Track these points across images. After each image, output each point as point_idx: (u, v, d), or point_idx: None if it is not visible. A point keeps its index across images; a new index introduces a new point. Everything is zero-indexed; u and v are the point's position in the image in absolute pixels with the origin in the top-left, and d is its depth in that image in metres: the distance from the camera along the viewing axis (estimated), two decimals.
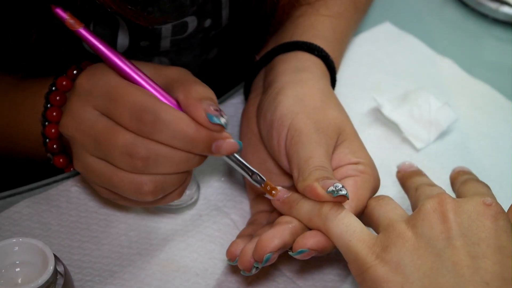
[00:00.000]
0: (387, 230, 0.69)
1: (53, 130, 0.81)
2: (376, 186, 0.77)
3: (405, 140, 0.93)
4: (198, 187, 0.84)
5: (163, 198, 0.75)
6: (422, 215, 0.68)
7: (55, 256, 0.70)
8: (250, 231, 0.77)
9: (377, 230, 0.71)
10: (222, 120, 0.70)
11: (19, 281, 0.70)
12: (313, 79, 0.82)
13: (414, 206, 0.75)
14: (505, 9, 1.09)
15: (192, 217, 0.83)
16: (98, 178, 0.73)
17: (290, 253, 0.71)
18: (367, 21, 1.07)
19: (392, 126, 0.94)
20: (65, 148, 0.82)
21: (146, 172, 0.71)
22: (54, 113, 0.80)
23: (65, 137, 0.74)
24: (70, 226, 0.81)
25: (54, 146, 0.81)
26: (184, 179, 0.74)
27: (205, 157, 0.73)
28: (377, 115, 0.95)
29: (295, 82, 0.81)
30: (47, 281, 0.69)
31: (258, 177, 0.75)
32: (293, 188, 0.76)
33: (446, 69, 1.03)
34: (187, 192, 0.83)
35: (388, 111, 0.94)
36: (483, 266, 0.64)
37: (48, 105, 0.80)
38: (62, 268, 0.72)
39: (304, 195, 0.73)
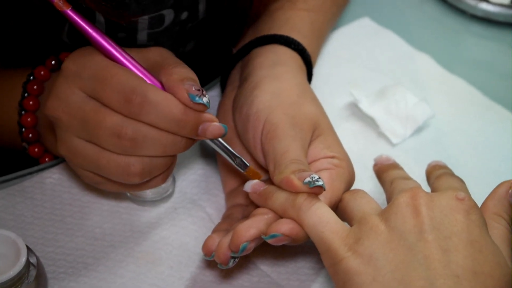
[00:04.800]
0: (360, 222, 0.69)
1: (29, 119, 0.80)
2: (351, 180, 0.77)
3: (381, 135, 0.93)
4: (174, 180, 0.84)
5: (148, 182, 0.75)
6: (395, 209, 0.68)
7: (28, 247, 0.70)
8: (226, 226, 0.77)
9: (351, 223, 0.71)
10: (204, 100, 0.71)
11: None
12: (290, 73, 0.82)
13: (389, 199, 0.76)
14: (484, 6, 1.10)
15: (167, 210, 0.83)
16: (83, 160, 0.73)
17: (262, 236, 0.72)
18: (346, 16, 1.07)
19: (368, 121, 0.94)
20: (41, 138, 0.82)
21: (134, 154, 0.71)
22: (31, 102, 0.80)
23: (51, 119, 0.73)
24: (44, 218, 0.81)
25: (30, 135, 0.81)
26: (170, 163, 0.74)
27: (192, 142, 0.73)
28: (354, 109, 0.95)
29: (272, 77, 0.81)
30: (19, 273, 0.69)
31: (242, 162, 0.75)
32: (269, 181, 0.76)
33: (424, 64, 1.03)
34: (163, 185, 0.83)
35: (365, 106, 0.94)
36: (454, 260, 0.64)
37: (26, 94, 0.80)
38: (35, 259, 0.72)
39: (280, 188, 0.73)
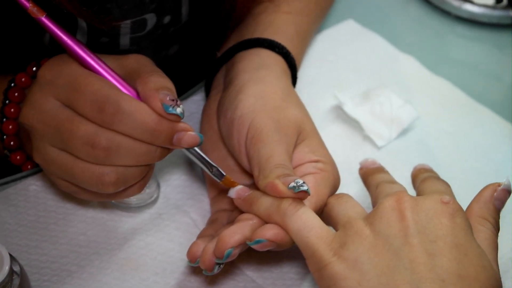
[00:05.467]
0: (345, 227, 0.69)
1: (10, 127, 0.80)
2: (336, 184, 0.77)
3: (367, 138, 0.93)
4: (158, 186, 0.84)
5: (124, 192, 0.75)
6: (380, 213, 0.68)
7: (11, 256, 0.69)
8: (211, 231, 0.77)
9: (336, 228, 0.71)
10: (178, 110, 0.70)
11: None
12: (274, 77, 0.82)
13: (374, 203, 0.75)
14: (468, 7, 1.10)
15: (152, 216, 0.82)
16: (58, 169, 0.72)
17: (247, 242, 0.71)
18: (330, 18, 1.07)
19: (353, 123, 0.94)
20: (22, 145, 0.81)
21: (108, 163, 0.71)
22: (12, 110, 0.80)
23: (26, 128, 0.73)
24: (28, 225, 0.80)
25: (11, 143, 0.80)
26: (145, 172, 0.74)
27: (167, 151, 0.73)
28: (339, 112, 0.95)
29: (256, 80, 0.81)
30: (3, 282, 0.68)
31: (218, 172, 0.75)
32: (253, 186, 0.76)
33: (408, 66, 1.03)
34: (147, 190, 0.82)
35: (350, 108, 0.94)
36: (439, 264, 0.64)
37: (6, 101, 0.80)
38: (18, 268, 0.71)
39: (264, 193, 0.73)
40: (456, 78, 1.02)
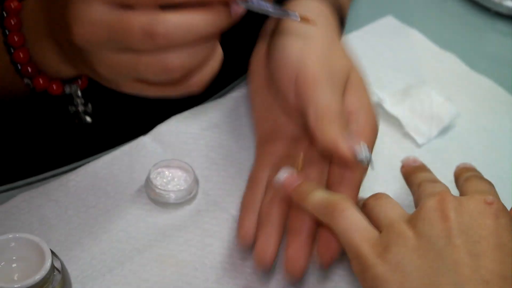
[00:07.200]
0: (388, 229, 0.68)
1: (21, 55, 0.77)
2: (376, 133, 0.81)
3: (407, 135, 0.92)
4: (197, 182, 0.84)
5: (194, 77, 0.70)
6: (422, 214, 0.68)
7: (52, 252, 0.70)
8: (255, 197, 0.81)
9: (378, 229, 0.71)
10: None
11: (15, 277, 0.69)
12: (323, 26, 0.84)
13: (417, 202, 0.75)
14: (508, 3, 1.09)
15: (191, 212, 0.82)
16: (125, 70, 0.69)
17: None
18: (370, 15, 1.07)
19: (393, 121, 0.93)
20: (41, 71, 0.79)
21: (171, 49, 0.67)
22: (16, 38, 0.76)
23: (80, 46, 0.69)
24: (68, 220, 0.81)
25: (28, 69, 0.78)
26: (210, 49, 0.69)
27: (225, 17, 0.68)
28: (378, 109, 0.94)
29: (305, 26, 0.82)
30: (44, 277, 0.68)
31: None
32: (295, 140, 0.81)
33: (448, 63, 1.02)
34: (185, 186, 0.82)
35: (389, 105, 0.93)
36: (483, 265, 0.64)
37: (6, 32, 0.76)
38: (59, 264, 0.71)
39: (312, 183, 0.76)
40: (497, 75, 1.01)
